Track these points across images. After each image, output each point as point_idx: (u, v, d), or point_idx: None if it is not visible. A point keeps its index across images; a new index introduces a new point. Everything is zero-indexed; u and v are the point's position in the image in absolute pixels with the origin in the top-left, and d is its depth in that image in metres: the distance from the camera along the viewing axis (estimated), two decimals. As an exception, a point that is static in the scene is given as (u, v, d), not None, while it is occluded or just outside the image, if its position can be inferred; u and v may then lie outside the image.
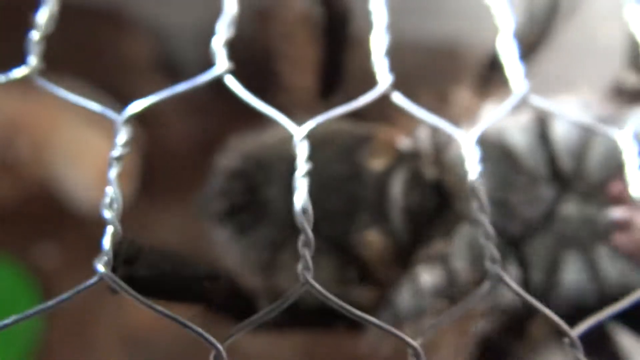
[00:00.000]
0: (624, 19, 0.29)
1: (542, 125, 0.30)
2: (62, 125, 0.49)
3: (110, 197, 0.19)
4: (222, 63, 0.22)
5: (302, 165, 0.20)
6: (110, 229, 0.19)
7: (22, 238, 0.49)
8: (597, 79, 0.34)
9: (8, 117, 0.49)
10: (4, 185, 0.49)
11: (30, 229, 0.49)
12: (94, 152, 0.49)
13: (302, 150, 0.21)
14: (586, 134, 0.29)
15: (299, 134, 0.21)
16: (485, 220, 0.20)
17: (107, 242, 0.18)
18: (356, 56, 0.34)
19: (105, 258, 0.18)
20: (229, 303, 0.25)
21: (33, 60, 0.21)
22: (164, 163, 0.52)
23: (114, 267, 0.18)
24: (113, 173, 0.19)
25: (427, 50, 0.54)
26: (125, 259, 0.19)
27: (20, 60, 0.21)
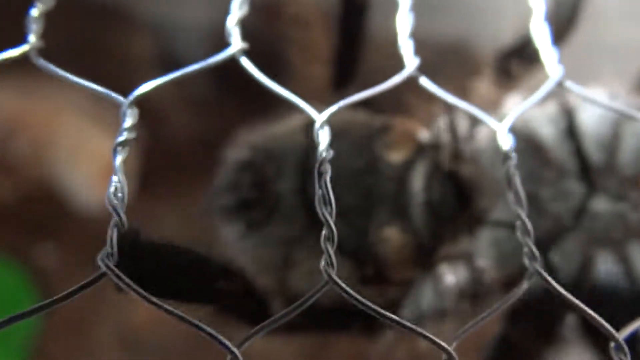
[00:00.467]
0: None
1: (569, 117, 0.29)
2: (61, 124, 0.49)
3: (115, 186, 0.17)
4: (236, 43, 0.20)
5: (324, 153, 0.18)
6: (114, 220, 0.17)
7: (22, 238, 0.48)
8: (618, 74, 0.33)
9: (7, 116, 0.48)
10: (4, 185, 0.48)
11: (30, 229, 0.48)
12: (94, 150, 0.48)
13: (323, 137, 0.19)
14: (616, 126, 0.28)
15: (319, 120, 0.19)
16: (523, 214, 0.19)
17: (110, 234, 0.17)
18: (372, 47, 0.33)
19: (109, 251, 0.17)
20: (242, 304, 0.23)
21: (32, 38, 0.19)
22: (165, 159, 0.51)
23: (118, 262, 0.17)
24: (119, 159, 0.18)
25: (440, 47, 0.53)
26: (131, 254, 0.17)
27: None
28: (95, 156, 0.48)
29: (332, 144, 0.29)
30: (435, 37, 0.54)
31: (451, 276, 0.27)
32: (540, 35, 0.23)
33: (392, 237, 0.27)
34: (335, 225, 0.27)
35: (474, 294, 0.27)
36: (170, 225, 0.47)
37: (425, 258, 0.28)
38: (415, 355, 0.29)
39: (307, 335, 0.32)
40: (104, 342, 0.46)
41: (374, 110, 0.31)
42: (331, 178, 0.28)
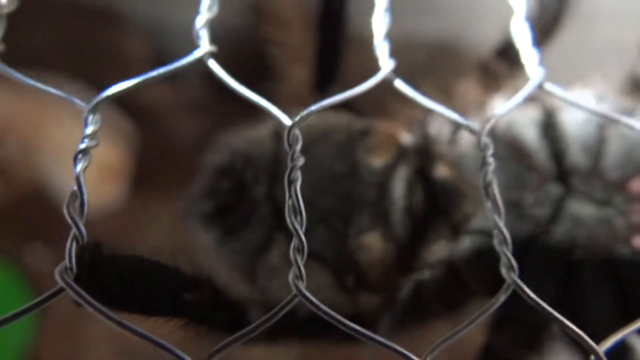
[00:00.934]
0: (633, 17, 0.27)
1: (552, 119, 0.28)
2: (51, 126, 0.49)
3: (74, 196, 0.16)
4: (204, 45, 0.19)
5: (294, 160, 0.18)
6: (72, 233, 0.16)
7: (12, 239, 0.48)
8: (606, 75, 0.33)
9: None
10: None
11: (20, 230, 0.48)
12: None
13: (294, 143, 0.18)
14: (601, 128, 0.27)
15: (290, 125, 0.18)
16: (500, 223, 0.18)
17: (69, 248, 0.16)
18: (353, 49, 0.32)
19: (67, 266, 0.16)
20: (215, 314, 0.22)
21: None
22: (159, 161, 0.51)
23: (77, 277, 0.16)
24: (79, 168, 0.17)
25: (426, 48, 0.53)
26: (91, 268, 0.17)
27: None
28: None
29: (313, 147, 0.28)
30: (424, 38, 0.54)
31: (432, 284, 0.26)
32: (521, 36, 0.22)
33: (373, 243, 0.27)
34: (316, 231, 0.27)
35: (456, 302, 0.26)
36: (163, 226, 0.47)
37: (407, 265, 0.27)
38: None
39: (290, 344, 0.31)
40: (97, 346, 0.46)
41: (355, 113, 0.31)
42: (312, 182, 0.27)
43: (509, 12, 0.26)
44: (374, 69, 0.21)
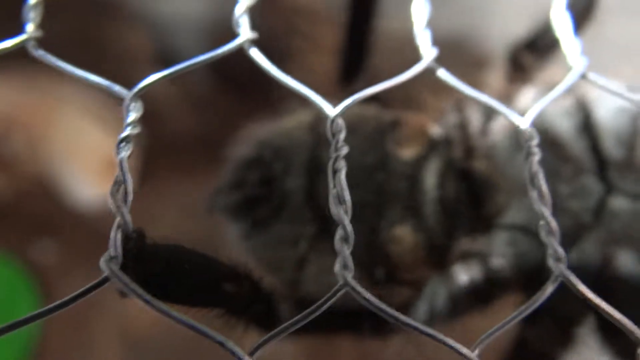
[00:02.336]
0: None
1: (586, 111, 0.28)
2: (59, 120, 0.49)
3: (118, 184, 0.16)
4: (244, 33, 0.19)
5: (338, 150, 0.17)
6: (118, 221, 0.16)
7: (19, 235, 0.47)
8: (633, 69, 0.32)
9: (4, 112, 0.48)
10: (1, 182, 0.47)
11: (28, 226, 0.48)
12: (92, 147, 0.48)
13: (337, 133, 0.18)
14: (635, 120, 0.27)
15: (333, 114, 0.18)
16: (547, 213, 0.18)
17: (114, 236, 0.16)
18: (381, 42, 0.32)
19: (112, 255, 0.16)
20: (250, 307, 0.22)
21: (30, 27, 0.18)
22: (165, 157, 0.50)
23: (122, 265, 0.16)
24: (122, 156, 0.17)
25: (446, 41, 0.52)
26: (135, 256, 0.16)
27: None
28: (93, 152, 0.48)
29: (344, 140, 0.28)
30: (443, 30, 0.53)
31: (465, 276, 0.26)
32: (562, 25, 0.22)
33: (404, 236, 0.26)
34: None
35: (489, 295, 0.26)
36: (170, 223, 0.46)
37: (438, 258, 0.27)
38: (425, 357, 0.28)
39: (314, 337, 0.31)
40: (104, 340, 0.46)
41: (383, 105, 0.30)
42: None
43: (532, 2, 0.25)
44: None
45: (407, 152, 0.27)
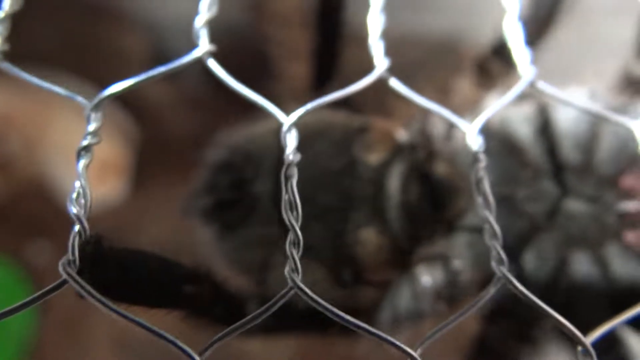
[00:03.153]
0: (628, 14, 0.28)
1: (545, 116, 0.28)
2: (54, 121, 0.49)
3: (77, 191, 0.17)
4: (203, 44, 0.20)
5: (291, 157, 0.18)
6: (76, 227, 0.17)
7: (15, 235, 0.48)
8: (601, 72, 0.33)
9: (0, 114, 0.48)
10: None
11: (23, 226, 0.48)
12: None
13: (290, 140, 0.19)
14: (594, 125, 0.28)
15: (287, 123, 0.19)
16: (490, 218, 0.18)
17: (72, 242, 0.17)
18: (352, 47, 0.32)
19: (70, 259, 0.16)
20: (215, 307, 0.23)
21: (-4, 41, 0.19)
22: (158, 160, 0.51)
23: (80, 270, 0.16)
24: (81, 164, 0.18)
25: (424, 46, 0.53)
26: (93, 261, 0.17)
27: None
28: None
29: (310, 144, 0.29)
30: (423, 35, 0.54)
31: (428, 278, 0.27)
32: (513, 34, 0.23)
33: (369, 238, 0.27)
34: (313, 226, 0.27)
35: (451, 295, 0.27)
36: (164, 222, 0.47)
37: (402, 259, 0.28)
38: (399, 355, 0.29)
39: (287, 338, 0.32)
40: (100, 341, 0.46)
41: (354, 110, 0.31)
42: (309, 178, 0.28)
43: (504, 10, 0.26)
44: (373, 67, 0.22)
45: (374, 157, 0.28)
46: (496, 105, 0.21)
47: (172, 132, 0.52)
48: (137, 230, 0.48)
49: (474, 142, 0.20)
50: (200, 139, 0.31)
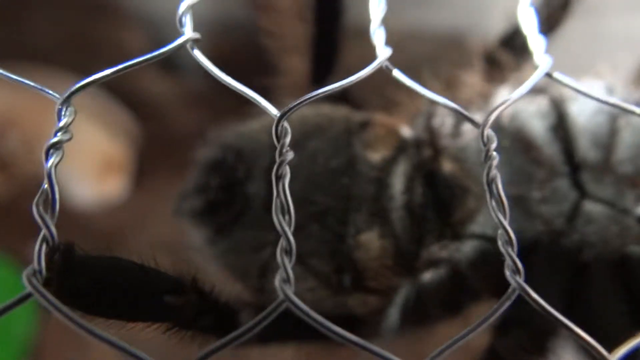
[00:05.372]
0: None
1: (560, 110, 0.26)
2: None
3: (44, 194, 0.15)
4: (187, 32, 0.18)
5: (283, 155, 0.16)
6: (42, 234, 0.15)
7: (16, 234, 0.47)
8: (616, 67, 0.31)
9: (0, 113, 0.48)
10: None
11: (23, 225, 0.48)
12: (89, 146, 0.48)
13: (282, 137, 0.17)
14: (612, 120, 0.26)
15: (278, 118, 0.17)
16: (505, 222, 0.17)
17: (38, 250, 0.15)
18: (352, 40, 0.31)
19: (36, 269, 0.15)
20: (202, 318, 0.21)
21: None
22: (159, 157, 0.50)
23: (47, 280, 0.15)
24: (50, 163, 0.16)
25: (432, 40, 0.52)
26: (62, 270, 0.15)
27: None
28: (89, 152, 0.48)
29: (309, 141, 0.27)
30: (430, 29, 0.52)
31: (433, 284, 0.25)
32: (527, 23, 0.21)
33: (370, 242, 0.25)
34: (311, 229, 0.25)
35: (459, 303, 0.25)
36: (165, 220, 0.46)
37: (406, 265, 0.26)
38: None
39: (282, 345, 0.30)
40: (99, 343, 0.45)
41: (355, 106, 0.29)
42: (307, 178, 0.26)
43: (514, 2, 0.24)
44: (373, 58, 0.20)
45: (376, 155, 0.26)
46: (511, 97, 0.19)
47: (175, 130, 0.52)
48: (138, 228, 0.47)
49: (486, 138, 0.18)
50: (201, 137, 0.30)
